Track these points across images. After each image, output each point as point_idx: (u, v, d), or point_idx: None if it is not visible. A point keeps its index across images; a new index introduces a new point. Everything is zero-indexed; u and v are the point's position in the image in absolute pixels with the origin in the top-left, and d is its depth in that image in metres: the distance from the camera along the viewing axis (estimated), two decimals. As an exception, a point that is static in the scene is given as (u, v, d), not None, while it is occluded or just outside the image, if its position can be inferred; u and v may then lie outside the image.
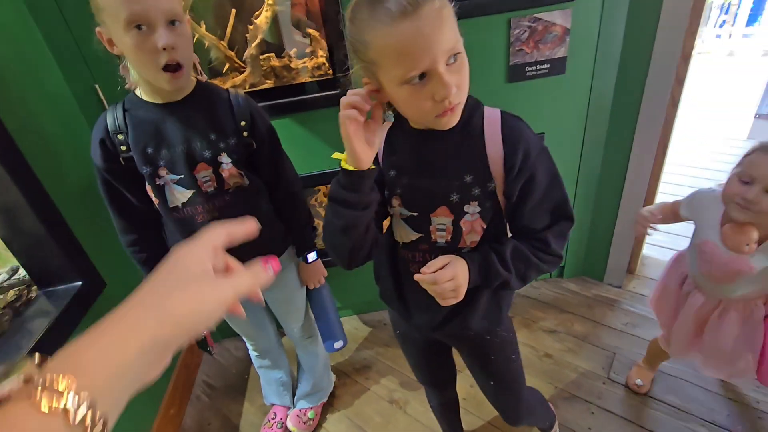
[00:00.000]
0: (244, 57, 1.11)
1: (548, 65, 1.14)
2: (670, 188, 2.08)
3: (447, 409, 0.96)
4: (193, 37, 0.80)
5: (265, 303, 0.99)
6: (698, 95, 3.79)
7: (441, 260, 0.55)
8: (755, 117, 2.98)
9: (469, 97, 0.54)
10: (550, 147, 1.08)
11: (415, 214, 0.60)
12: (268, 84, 1.14)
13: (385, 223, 0.66)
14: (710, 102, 3.68)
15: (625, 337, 1.29)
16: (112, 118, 0.72)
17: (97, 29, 0.65)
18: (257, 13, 1.06)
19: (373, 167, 0.53)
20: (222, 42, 1.09)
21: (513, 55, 1.12)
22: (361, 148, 0.50)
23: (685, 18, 1.06)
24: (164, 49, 0.62)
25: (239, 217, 0.32)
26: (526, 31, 1.09)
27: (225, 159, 0.77)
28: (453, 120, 0.51)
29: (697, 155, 2.64)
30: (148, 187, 0.76)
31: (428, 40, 0.44)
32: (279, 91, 1.14)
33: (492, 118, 0.56)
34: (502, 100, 1.17)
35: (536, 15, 1.07)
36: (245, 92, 0.83)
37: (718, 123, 3.20)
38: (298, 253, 0.95)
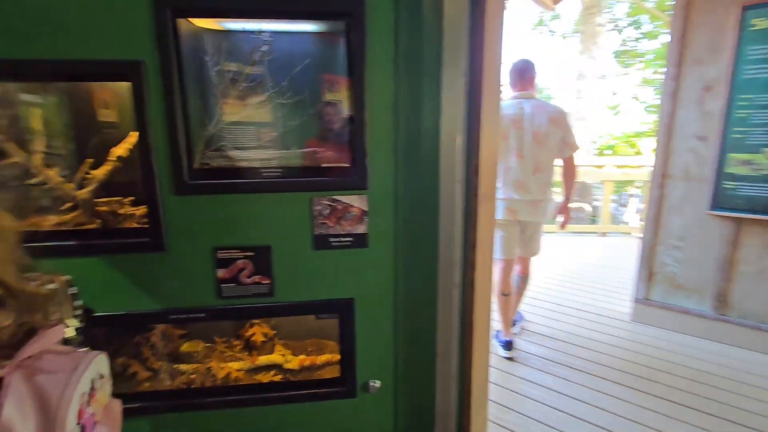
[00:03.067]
0: (78, 198, 1.23)
1: (351, 238, 1.26)
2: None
3: None
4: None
5: None
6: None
7: None
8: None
9: None
10: (363, 311, 1.26)
11: None
12: (96, 224, 1.25)
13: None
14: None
15: None
16: None
17: None
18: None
19: None
20: (70, 184, 1.23)
21: (317, 227, 1.24)
22: None
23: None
24: None
25: None
26: (327, 208, 1.23)
27: None
28: None
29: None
30: None
31: None
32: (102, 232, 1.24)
33: None
34: (309, 266, 1.27)
35: (335, 197, 1.23)
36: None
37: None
38: None
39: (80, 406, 0.68)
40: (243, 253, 1.24)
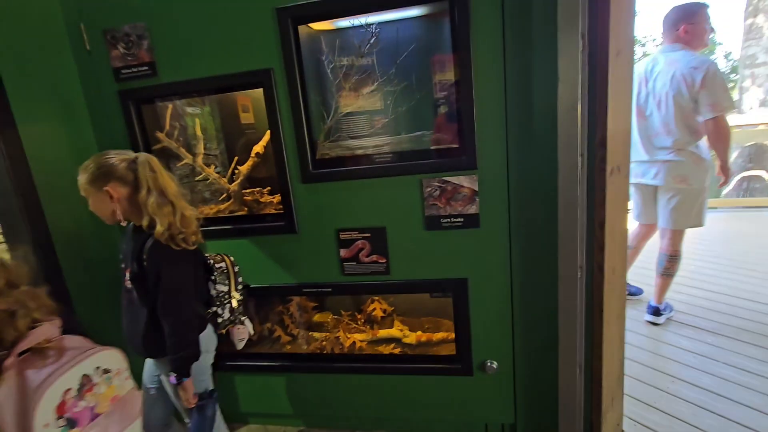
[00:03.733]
0: (230, 190, 1.49)
1: (462, 219, 1.25)
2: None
3: None
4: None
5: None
6: None
7: None
8: None
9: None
10: (478, 291, 1.32)
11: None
12: (244, 211, 1.48)
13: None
14: None
15: None
16: None
17: None
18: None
19: None
20: (224, 178, 1.49)
21: (427, 208, 1.27)
22: None
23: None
24: None
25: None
26: (437, 189, 1.25)
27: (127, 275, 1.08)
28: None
29: None
30: None
31: None
32: (249, 217, 1.47)
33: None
34: (422, 246, 1.30)
35: (444, 178, 1.23)
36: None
37: None
38: None
39: (62, 400, 0.73)
40: (361, 234, 1.34)
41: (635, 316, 2.38)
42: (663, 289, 2.24)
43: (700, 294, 2.71)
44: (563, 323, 1.21)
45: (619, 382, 1.35)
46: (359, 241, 1.35)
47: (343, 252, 1.37)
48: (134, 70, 1.34)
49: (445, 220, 1.27)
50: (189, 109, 1.52)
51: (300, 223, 1.37)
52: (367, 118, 1.34)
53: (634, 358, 1.96)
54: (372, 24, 1.26)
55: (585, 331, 1.22)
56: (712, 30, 2.08)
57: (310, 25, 1.29)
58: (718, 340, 2.14)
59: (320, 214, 1.35)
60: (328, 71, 1.32)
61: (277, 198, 1.42)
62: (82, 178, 1.03)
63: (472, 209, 1.24)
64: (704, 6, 2.03)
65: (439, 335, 1.52)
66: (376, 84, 1.31)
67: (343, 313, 1.69)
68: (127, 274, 1.08)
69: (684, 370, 1.88)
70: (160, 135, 1.43)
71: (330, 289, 1.43)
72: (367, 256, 1.35)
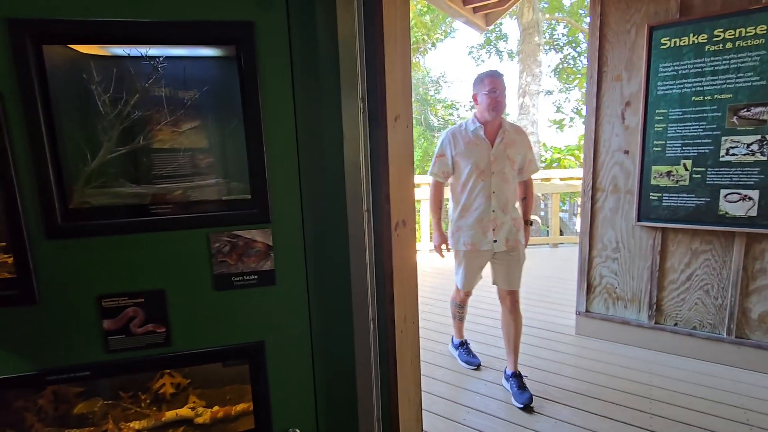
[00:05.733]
0: None
1: (256, 276, 1.16)
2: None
3: None
4: None
5: None
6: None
7: None
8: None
9: None
10: (276, 354, 1.16)
11: None
12: (-47, 278, 1.07)
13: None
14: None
15: None
16: None
17: None
18: None
19: None
20: None
21: (216, 266, 1.14)
22: None
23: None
24: None
25: None
26: (226, 245, 1.13)
27: None
28: None
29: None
30: None
31: None
32: (-41, 287, 1.06)
33: None
34: (210, 308, 1.15)
35: (235, 232, 1.13)
36: None
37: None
38: None
39: None
40: (132, 300, 1.11)
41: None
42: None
43: (482, 322, 3.20)
44: (360, 377, 1.21)
45: (418, 429, 1.41)
46: (130, 309, 1.11)
47: (107, 323, 1.11)
48: None
49: (237, 279, 1.15)
50: None
51: (41, 292, 1.06)
52: (146, 161, 1.16)
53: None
54: (157, 57, 1.13)
55: (381, 383, 1.24)
56: (494, 98, 2.19)
57: (74, 47, 1.08)
58: (503, 364, 2.50)
59: (75, 277, 1.08)
60: (99, 104, 1.10)
61: (11, 259, 1.08)
62: None
63: (267, 265, 1.16)
64: (489, 75, 2.23)
65: (241, 407, 1.35)
66: (161, 123, 1.16)
67: (122, 395, 1.36)
68: None
69: (473, 398, 2.12)
70: None
71: (88, 372, 1.13)
72: (140, 326, 1.12)
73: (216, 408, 1.36)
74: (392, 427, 1.28)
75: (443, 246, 2.45)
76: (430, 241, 2.57)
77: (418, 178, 6.35)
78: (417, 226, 6.54)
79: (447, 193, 2.45)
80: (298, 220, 1.16)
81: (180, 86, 1.17)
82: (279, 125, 1.12)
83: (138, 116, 1.14)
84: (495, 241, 2.27)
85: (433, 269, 4.85)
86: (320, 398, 1.27)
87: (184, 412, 1.34)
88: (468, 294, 2.54)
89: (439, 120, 15.17)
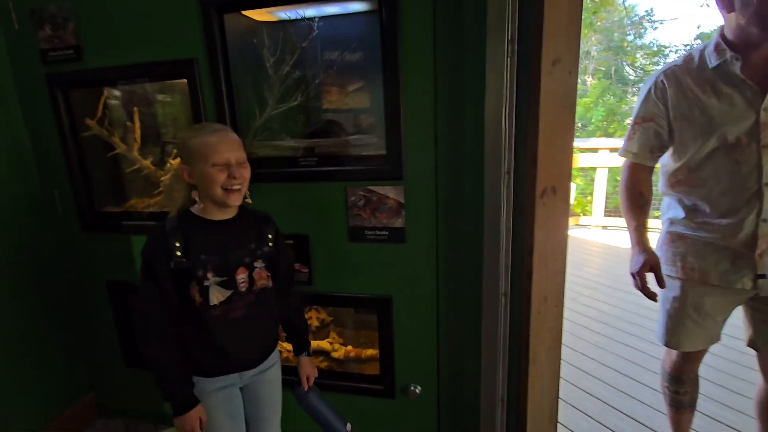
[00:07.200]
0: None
1: (387, 232, 1.17)
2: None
3: None
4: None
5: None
6: None
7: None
8: None
9: None
10: (403, 311, 1.25)
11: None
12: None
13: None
14: None
15: None
16: (171, 227, 0.87)
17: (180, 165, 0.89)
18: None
19: None
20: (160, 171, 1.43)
21: (351, 218, 1.18)
22: None
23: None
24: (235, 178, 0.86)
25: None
26: (361, 199, 1.16)
27: (259, 264, 0.93)
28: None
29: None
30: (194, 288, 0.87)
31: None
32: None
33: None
34: (345, 256, 1.22)
35: (369, 187, 1.15)
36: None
37: None
38: (297, 351, 1.11)
39: None
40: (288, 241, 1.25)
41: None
42: None
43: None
44: (486, 354, 1.12)
45: (551, 421, 1.25)
46: (283, 248, 1.26)
47: (266, 258, 1.29)
48: (60, 52, 1.27)
49: (370, 233, 1.18)
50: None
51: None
52: (302, 117, 1.27)
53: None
54: (314, 17, 1.19)
55: (509, 364, 1.13)
56: None
57: (249, 14, 1.22)
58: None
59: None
60: (267, 66, 1.24)
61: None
62: None
63: (398, 222, 1.15)
64: None
65: (369, 352, 1.44)
66: (315, 83, 1.24)
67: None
68: (258, 264, 0.94)
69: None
70: (90, 122, 1.37)
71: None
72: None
73: (350, 348, 1.48)
74: (518, 411, 1.17)
75: (650, 272, 1.11)
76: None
77: (594, 141, 5.40)
78: (587, 194, 5.49)
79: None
80: (432, 179, 1.10)
81: (329, 47, 1.22)
82: (417, 79, 1.05)
83: (297, 76, 1.24)
84: (763, 276, 1.06)
85: (602, 247, 4.13)
86: (443, 364, 1.24)
87: (324, 344, 1.51)
88: (690, 359, 1.22)
89: (637, 72, 10.94)
